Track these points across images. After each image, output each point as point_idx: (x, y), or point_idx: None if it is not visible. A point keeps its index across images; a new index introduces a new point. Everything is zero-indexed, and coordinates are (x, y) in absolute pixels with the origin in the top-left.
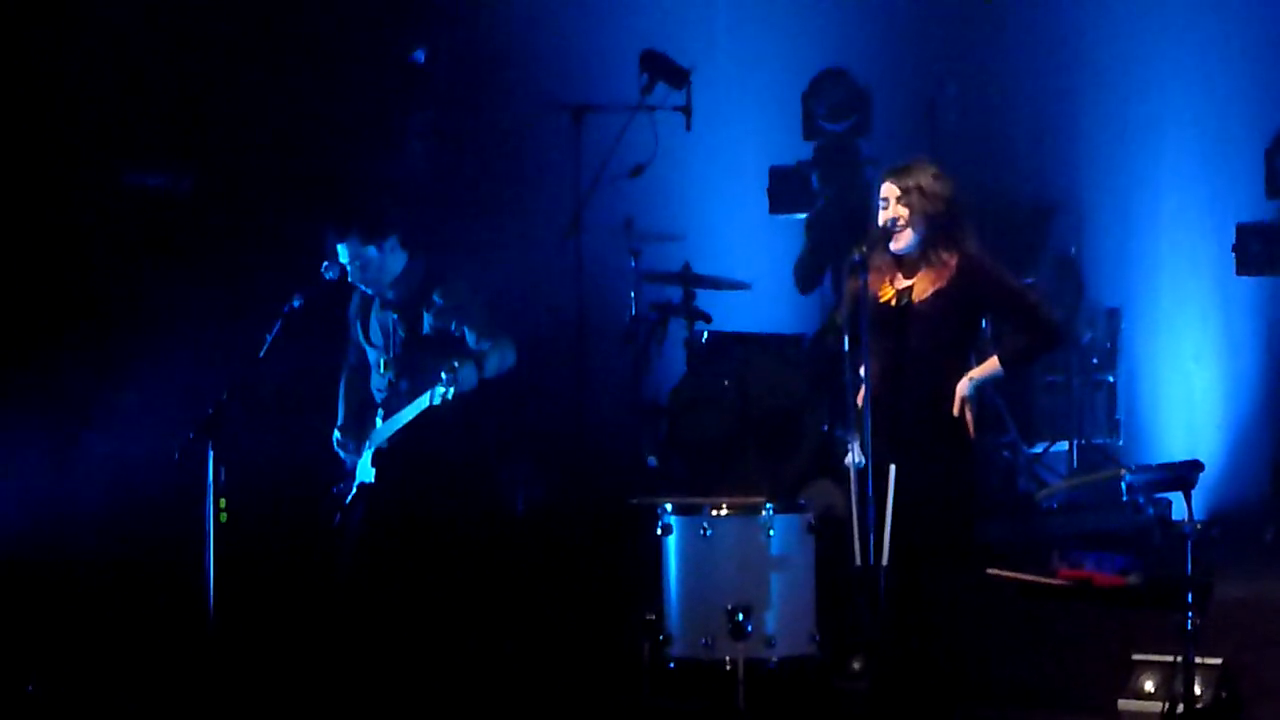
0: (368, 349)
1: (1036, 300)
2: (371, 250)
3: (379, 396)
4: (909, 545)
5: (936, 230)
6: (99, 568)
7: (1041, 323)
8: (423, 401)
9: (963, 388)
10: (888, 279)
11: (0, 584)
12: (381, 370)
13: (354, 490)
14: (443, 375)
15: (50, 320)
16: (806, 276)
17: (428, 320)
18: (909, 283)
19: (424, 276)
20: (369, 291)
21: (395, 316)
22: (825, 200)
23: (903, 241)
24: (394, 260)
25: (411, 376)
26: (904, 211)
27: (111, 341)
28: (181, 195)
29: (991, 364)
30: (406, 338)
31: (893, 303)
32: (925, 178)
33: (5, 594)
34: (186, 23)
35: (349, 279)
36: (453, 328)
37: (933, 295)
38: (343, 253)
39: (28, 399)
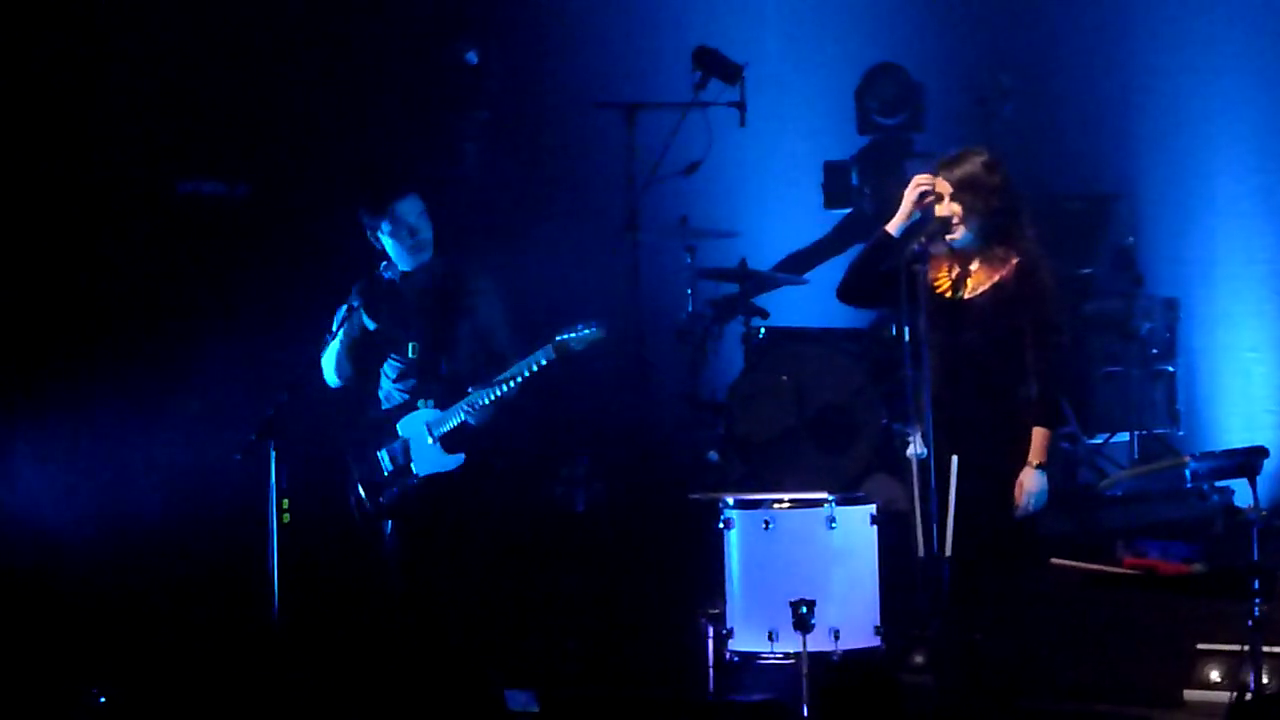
0: (382, 341)
1: (1058, 341)
2: (426, 211)
3: (398, 387)
4: (972, 537)
5: (992, 225)
6: (164, 572)
7: (1052, 365)
8: (521, 368)
9: (1034, 483)
10: (944, 269)
11: (66, 590)
12: (409, 354)
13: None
14: (556, 338)
15: (111, 326)
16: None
17: (465, 302)
18: (966, 275)
19: (460, 259)
20: (400, 269)
21: (424, 297)
22: (865, 199)
23: (958, 235)
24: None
25: (450, 355)
26: (957, 209)
27: (172, 346)
28: (237, 202)
29: (1041, 437)
30: (439, 317)
31: (948, 294)
32: (977, 168)
33: (71, 600)
34: (237, 29)
35: (401, 246)
36: (481, 317)
37: (989, 290)
38: (408, 210)
39: (91, 405)
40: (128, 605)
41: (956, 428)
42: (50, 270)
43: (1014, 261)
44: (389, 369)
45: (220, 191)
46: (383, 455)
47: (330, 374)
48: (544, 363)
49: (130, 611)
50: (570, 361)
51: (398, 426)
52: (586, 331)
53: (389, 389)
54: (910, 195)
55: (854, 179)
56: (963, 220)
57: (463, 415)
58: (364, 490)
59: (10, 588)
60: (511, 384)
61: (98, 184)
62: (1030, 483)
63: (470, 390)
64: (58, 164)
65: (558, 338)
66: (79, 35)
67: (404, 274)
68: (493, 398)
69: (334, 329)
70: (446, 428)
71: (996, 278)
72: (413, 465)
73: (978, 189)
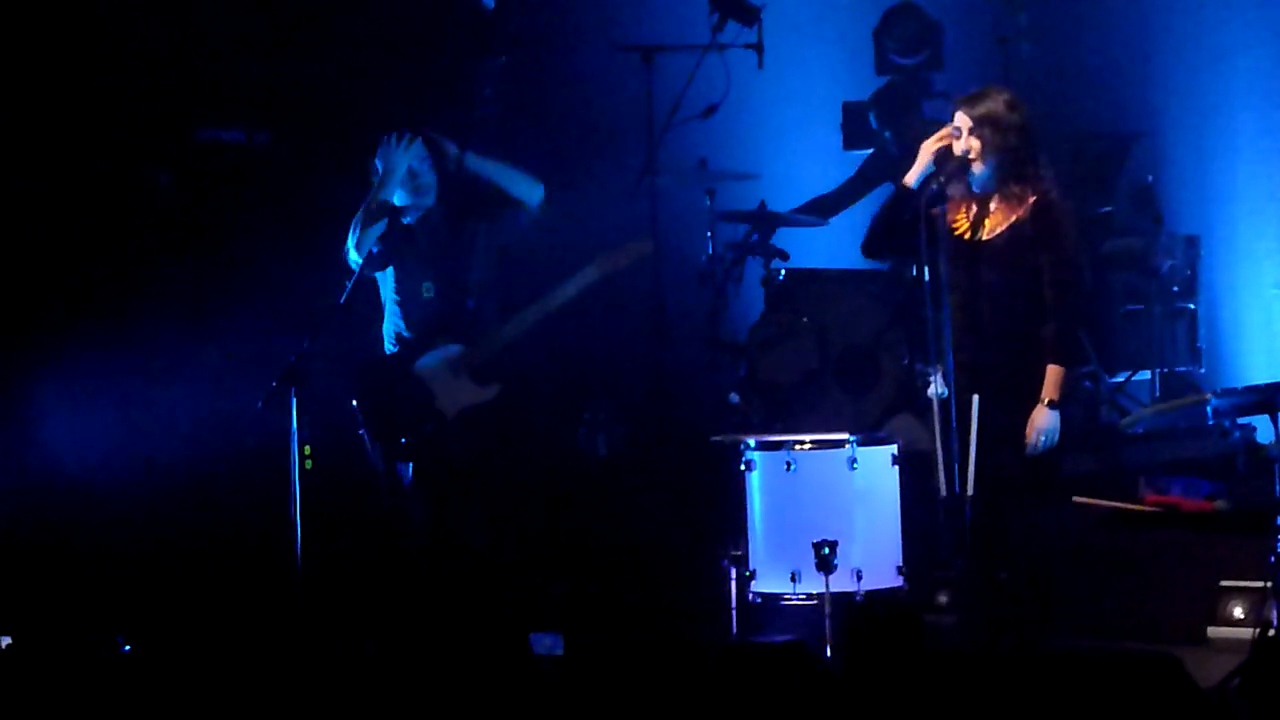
0: (395, 286)
1: (1076, 278)
2: (453, 149)
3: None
4: (995, 476)
5: (1010, 163)
6: (186, 520)
7: (1069, 303)
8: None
9: (1045, 420)
10: (963, 210)
11: (88, 539)
12: (425, 294)
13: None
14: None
15: (131, 275)
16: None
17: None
18: (984, 216)
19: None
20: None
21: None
22: (887, 143)
23: (977, 172)
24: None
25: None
26: (976, 144)
27: (193, 294)
28: (259, 149)
29: (1055, 374)
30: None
31: (966, 236)
32: (999, 105)
33: (93, 549)
34: None
35: (416, 179)
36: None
37: (1007, 230)
38: (412, 154)
39: (112, 354)
40: (150, 554)
41: (978, 367)
42: (69, 220)
43: (1031, 200)
44: (396, 312)
45: (239, 139)
46: (401, 398)
47: (352, 252)
48: (590, 280)
49: (153, 560)
50: (614, 280)
51: (417, 367)
52: (634, 244)
53: (397, 329)
54: (928, 146)
55: (872, 122)
56: (980, 156)
57: (503, 342)
58: (381, 436)
59: (33, 537)
60: (553, 304)
61: (116, 132)
62: (1041, 419)
63: (493, 327)
64: (84, 111)
65: (599, 254)
66: None
67: (421, 217)
68: (533, 319)
69: (354, 275)
70: (483, 357)
71: (1014, 217)
72: (438, 403)
73: (997, 125)
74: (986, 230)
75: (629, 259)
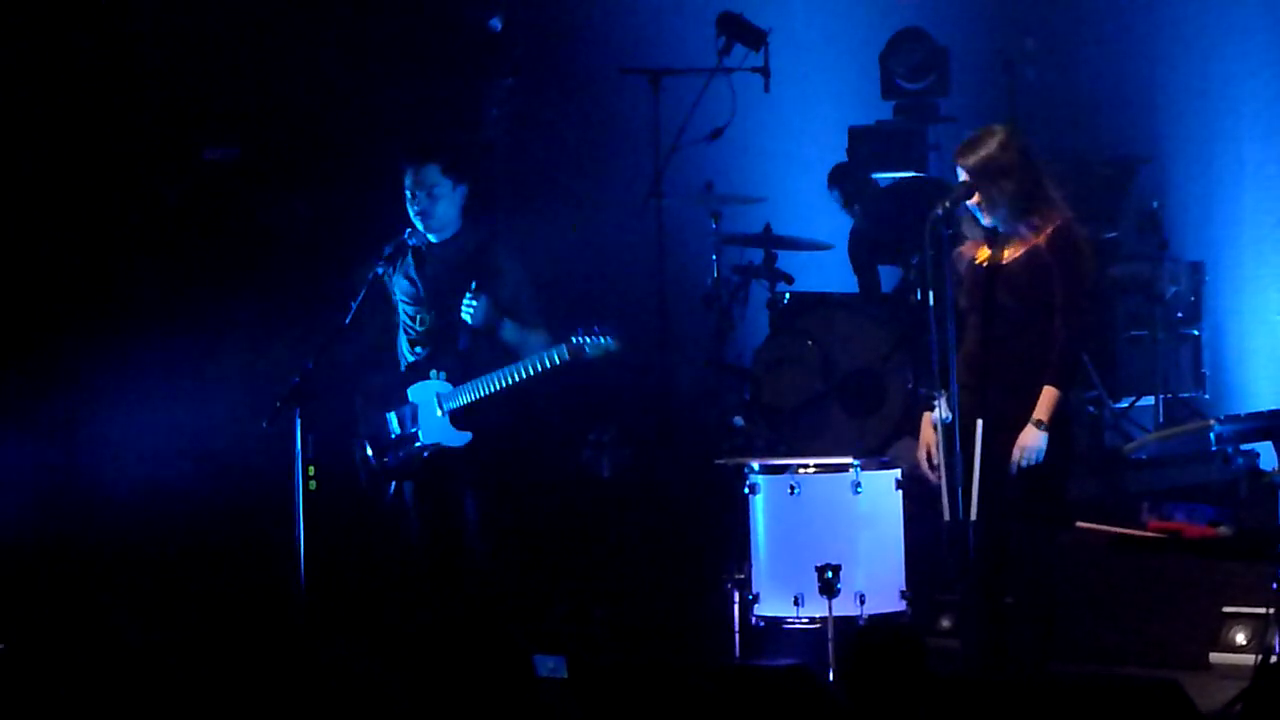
0: (401, 305)
1: (1084, 304)
2: (447, 184)
3: (409, 352)
4: (999, 501)
5: (1019, 201)
6: (191, 539)
7: (1074, 325)
8: (532, 362)
9: (1032, 439)
10: (984, 243)
11: (91, 557)
12: (419, 325)
13: (420, 452)
14: (573, 339)
15: (134, 292)
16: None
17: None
18: (1005, 244)
19: (488, 238)
20: (418, 228)
21: (447, 269)
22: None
23: (988, 219)
24: (455, 210)
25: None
26: (979, 197)
27: (199, 313)
28: (263, 169)
29: (1049, 396)
30: (458, 292)
31: (985, 264)
32: (993, 149)
33: (96, 567)
34: None
35: (411, 210)
36: (503, 297)
37: (1024, 256)
38: (417, 179)
39: (113, 370)
40: (155, 572)
41: (985, 392)
42: (75, 240)
43: (1050, 229)
44: (408, 331)
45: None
46: (391, 417)
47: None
48: (556, 361)
49: (157, 579)
50: (582, 366)
51: (409, 391)
52: (603, 340)
53: (405, 350)
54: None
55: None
56: (987, 209)
57: (471, 397)
58: (370, 449)
59: (39, 556)
60: (519, 376)
61: (123, 151)
62: (1027, 438)
63: (478, 375)
64: (97, 133)
65: (574, 339)
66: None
67: (431, 245)
68: (500, 385)
69: (358, 296)
70: (455, 405)
71: (1033, 243)
72: (419, 432)
73: (996, 173)
74: (1005, 256)
75: (597, 353)
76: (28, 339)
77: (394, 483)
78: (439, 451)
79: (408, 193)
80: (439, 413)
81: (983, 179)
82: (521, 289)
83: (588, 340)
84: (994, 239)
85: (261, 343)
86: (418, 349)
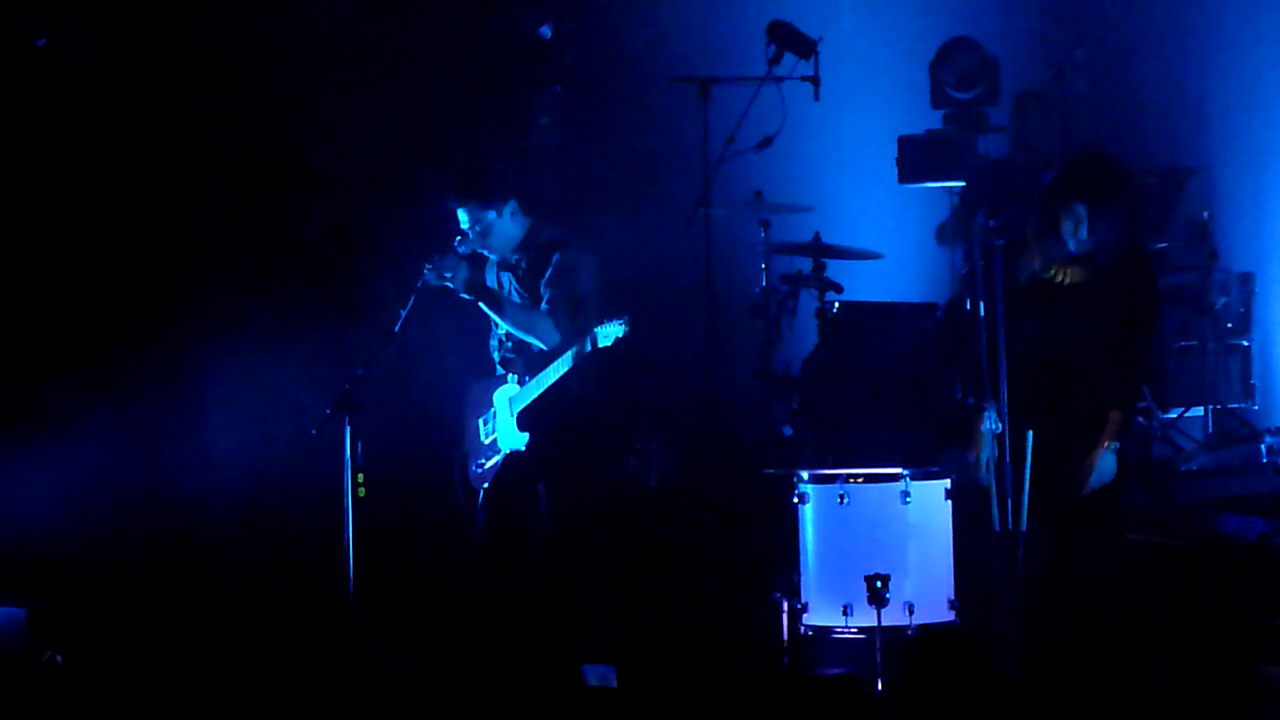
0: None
1: (1150, 330)
2: (491, 214)
3: (496, 357)
4: (1049, 511)
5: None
6: (242, 547)
7: (1139, 348)
8: (566, 360)
9: (1105, 464)
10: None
11: (142, 566)
12: (498, 329)
13: (499, 460)
14: (595, 331)
15: (185, 301)
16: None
17: (543, 283)
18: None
19: (549, 241)
20: (493, 257)
21: (510, 276)
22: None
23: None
24: (515, 225)
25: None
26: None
27: (249, 320)
28: (321, 175)
29: (1116, 421)
30: (521, 299)
31: (1053, 278)
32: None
33: (147, 577)
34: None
35: (473, 245)
36: (579, 287)
37: (1097, 276)
38: (463, 218)
39: (165, 378)
40: (204, 581)
41: (1039, 403)
42: (128, 246)
43: (1125, 253)
44: (493, 338)
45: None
46: (480, 424)
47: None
48: (586, 349)
49: (207, 588)
50: (603, 353)
51: (493, 396)
52: (610, 325)
53: (495, 354)
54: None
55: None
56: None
57: (531, 396)
58: (469, 457)
59: (89, 562)
60: (563, 369)
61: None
62: (1100, 463)
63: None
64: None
65: (595, 329)
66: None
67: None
68: (550, 381)
69: (408, 303)
70: (521, 406)
71: (1104, 265)
72: (498, 439)
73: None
74: (1076, 275)
75: (608, 341)
76: (100, 351)
77: (484, 487)
78: (509, 457)
79: (466, 229)
80: (510, 416)
81: (1095, 219)
82: (588, 283)
83: (599, 330)
84: (1064, 255)
85: (313, 350)
86: (500, 352)
